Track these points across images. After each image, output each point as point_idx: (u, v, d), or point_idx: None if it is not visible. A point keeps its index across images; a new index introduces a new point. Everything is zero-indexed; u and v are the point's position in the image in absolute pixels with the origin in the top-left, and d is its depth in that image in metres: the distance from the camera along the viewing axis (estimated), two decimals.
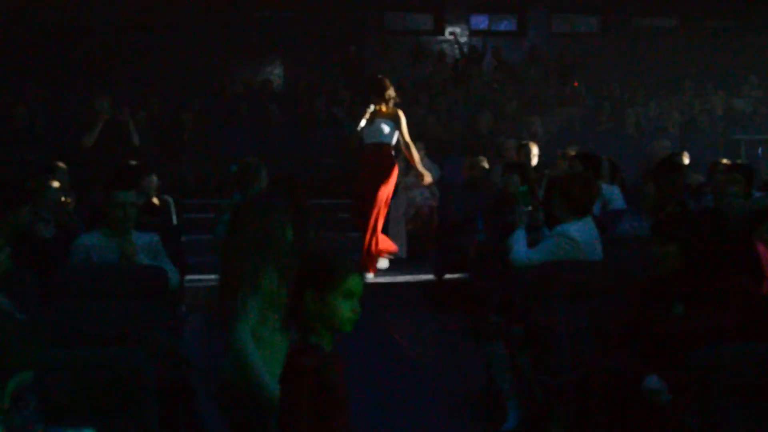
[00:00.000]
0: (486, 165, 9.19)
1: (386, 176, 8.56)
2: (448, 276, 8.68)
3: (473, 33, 16.06)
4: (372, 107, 8.53)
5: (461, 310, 7.55)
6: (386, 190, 8.60)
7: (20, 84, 12.26)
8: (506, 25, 16.78)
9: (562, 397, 4.89)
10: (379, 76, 8.94)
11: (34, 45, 13.16)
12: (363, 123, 8.55)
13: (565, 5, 16.32)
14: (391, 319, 7.81)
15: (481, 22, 16.58)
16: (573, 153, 8.57)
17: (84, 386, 3.26)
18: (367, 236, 8.55)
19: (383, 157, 8.58)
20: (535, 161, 8.90)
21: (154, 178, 8.22)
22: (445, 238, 8.71)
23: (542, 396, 5.16)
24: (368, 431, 4.90)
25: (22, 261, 5.08)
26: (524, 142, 9.33)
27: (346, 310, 3.02)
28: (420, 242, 9.74)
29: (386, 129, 8.51)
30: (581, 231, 5.42)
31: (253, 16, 15.33)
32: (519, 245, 5.55)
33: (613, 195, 7.52)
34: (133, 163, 7.85)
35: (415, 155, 8.84)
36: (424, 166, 10.21)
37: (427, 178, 9.02)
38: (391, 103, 8.58)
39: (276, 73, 15.19)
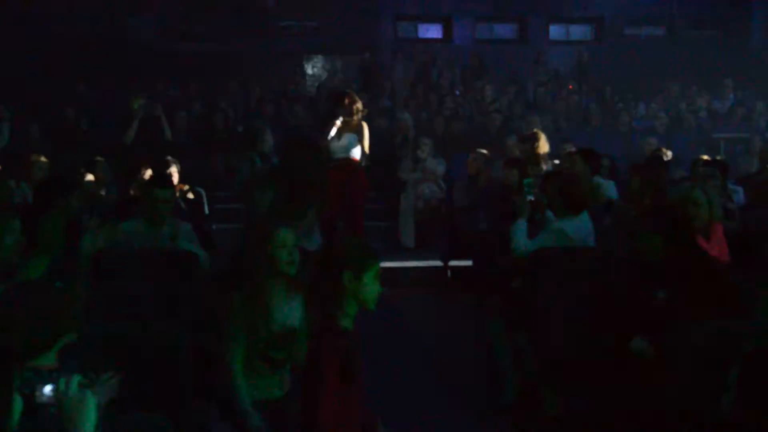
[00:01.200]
0: (486, 158, 9.13)
1: (357, 195, 7.79)
2: (453, 262, 8.68)
3: (478, 41, 16.05)
4: (340, 120, 7.63)
5: (465, 292, 7.60)
6: (358, 209, 7.85)
7: (70, 88, 12.35)
8: (509, 33, 16.77)
9: (555, 371, 4.93)
10: (347, 90, 8.39)
11: (82, 53, 13.24)
12: (331, 136, 7.63)
13: (562, 16, 16.32)
14: (401, 301, 7.83)
15: (486, 30, 16.58)
16: (572, 149, 8.55)
17: (122, 357, 3.28)
18: None
19: (351, 173, 7.69)
20: (545, 149, 8.39)
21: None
22: (451, 228, 8.73)
23: (537, 370, 5.22)
24: (378, 399, 4.93)
25: (72, 246, 5.20)
26: (534, 130, 9.08)
27: (376, 289, 3.18)
28: (428, 232, 9.75)
29: (354, 144, 7.70)
30: (576, 228, 5.46)
31: (280, 25, 15.41)
32: (519, 235, 5.57)
33: (610, 189, 7.52)
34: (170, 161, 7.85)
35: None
36: (432, 162, 10.25)
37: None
38: (359, 116, 7.74)
39: (300, 76, 15.23)
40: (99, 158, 8.09)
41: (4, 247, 3.66)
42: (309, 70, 15.32)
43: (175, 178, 5.62)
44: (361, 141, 7.70)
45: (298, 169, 5.59)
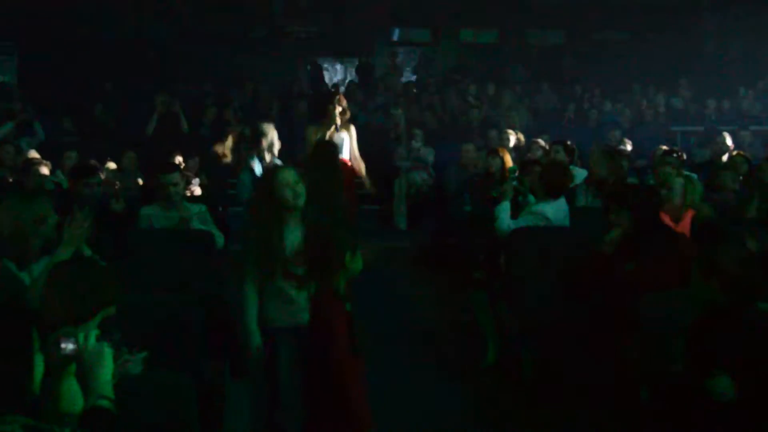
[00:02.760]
0: (474, 150, 9.10)
1: (350, 197, 6.82)
2: (442, 241, 8.64)
3: (462, 44, 15.96)
4: (336, 120, 6.80)
5: (452, 268, 7.57)
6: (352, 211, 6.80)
7: (99, 86, 12.27)
8: (488, 37, 16.66)
9: (532, 335, 4.93)
10: (333, 89, 7.66)
11: (109, 55, 13.16)
12: (326, 137, 6.77)
13: (537, 21, 16.23)
14: (394, 276, 7.81)
15: (470, 34, 16.47)
16: (543, 142, 8.55)
17: (145, 324, 3.24)
18: None
19: (347, 174, 6.81)
20: (511, 144, 8.70)
21: (197, 159, 8.23)
22: (439, 211, 8.69)
23: (516, 335, 5.20)
24: (373, 360, 4.92)
25: (101, 228, 5.17)
26: (506, 131, 9.20)
27: (360, 263, 3.63)
28: (419, 215, 9.69)
29: (345, 144, 6.93)
30: (555, 210, 5.45)
31: (285, 30, 15.33)
32: (504, 215, 5.53)
33: (581, 176, 7.48)
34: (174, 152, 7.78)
35: (362, 167, 7.25)
36: (423, 152, 10.21)
37: (372, 189, 7.57)
38: (347, 116, 7.04)
39: (303, 76, 15.14)
40: (129, 151, 8.09)
41: (48, 226, 3.62)
42: (312, 72, 15.21)
43: (179, 176, 5.54)
44: (350, 142, 7.03)
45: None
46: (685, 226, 5.06)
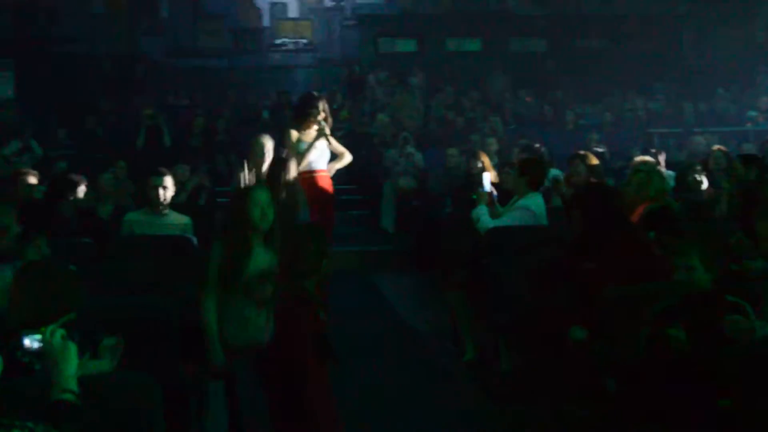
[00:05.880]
0: (458, 155, 9.07)
1: (329, 208, 6.22)
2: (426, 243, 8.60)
3: (447, 53, 15.96)
4: (323, 127, 6.12)
5: (435, 269, 7.53)
6: (329, 222, 6.19)
7: (91, 100, 12.25)
8: (472, 46, 16.66)
9: (508, 332, 4.90)
10: (315, 93, 6.67)
11: (101, 69, 13.16)
12: (309, 146, 6.08)
13: (521, 31, 16.26)
14: (379, 278, 7.78)
15: (452, 44, 16.46)
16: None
17: (120, 326, 3.19)
18: None
19: (326, 184, 6.21)
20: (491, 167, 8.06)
21: (187, 167, 8.16)
22: (424, 213, 8.63)
23: (492, 333, 5.17)
24: (356, 356, 4.91)
25: (85, 232, 5.15)
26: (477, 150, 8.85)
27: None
28: (405, 217, 9.66)
29: (325, 153, 6.25)
30: (538, 203, 5.43)
31: (274, 42, 15.33)
32: (484, 216, 5.48)
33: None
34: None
35: (346, 160, 6.44)
36: (413, 154, 10.14)
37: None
38: (330, 121, 6.34)
39: (292, 86, 15.14)
40: (120, 162, 8.08)
41: (8, 236, 3.59)
42: (300, 81, 15.20)
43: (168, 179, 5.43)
44: (332, 145, 6.31)
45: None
46: (634, 218, 5.01)
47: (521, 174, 5.50)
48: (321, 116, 6.15)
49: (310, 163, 6.10)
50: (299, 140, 6.13)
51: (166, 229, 5.27)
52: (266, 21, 16.92)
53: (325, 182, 6.18)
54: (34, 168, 8.06)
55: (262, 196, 3.71)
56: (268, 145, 6.02)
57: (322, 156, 6.19)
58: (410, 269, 8.30)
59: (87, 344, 2.71)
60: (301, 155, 6.02)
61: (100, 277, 4.25)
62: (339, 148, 6.38)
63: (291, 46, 15.48)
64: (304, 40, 15.55)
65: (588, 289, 3.89)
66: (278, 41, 15.44)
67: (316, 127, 6.12)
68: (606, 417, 3.47)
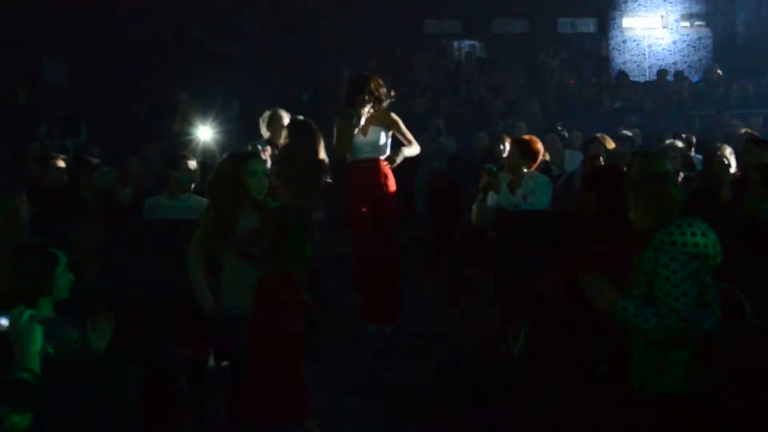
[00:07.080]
0: (486, 138, 9.02)
1: (387, 200, 5.64)
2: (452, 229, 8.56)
3: (493, 35, 15.79)
4: (367, 111, 5.53)
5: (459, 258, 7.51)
6: (391, 217, 5.67)
7: (136, 84, 12.55)
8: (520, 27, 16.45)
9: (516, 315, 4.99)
10: (368, 73, 5.88)
11: (149, 54, 13.44)
12: (356, 131, 5.53)
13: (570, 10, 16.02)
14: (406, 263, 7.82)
15: (501, 25, 16.27)
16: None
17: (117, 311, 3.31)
18: (378, 280, 5.63)
19: (382, 175, 5.60)
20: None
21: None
22: (455, 200, 8.60)
23: (503, 315, 5.24)
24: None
25: (106, 216, 5.32)
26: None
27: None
28: (438, 203, 9.64)
29: (383, 139, 5.62)
30: (538, 181, 5.54)
31: (323, 24, 15.38)
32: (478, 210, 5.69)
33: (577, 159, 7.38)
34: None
35: (413, 151, 5.85)
36: (442, 140, 10.11)
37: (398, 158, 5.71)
38: (385, 105, 5.68)
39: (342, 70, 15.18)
40: (151, 145, 8.27)
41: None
42: (345, 65, 15.23)
43: (192, 163, 5.57)
44: (397, 132, 5.69)
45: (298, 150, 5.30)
46: None
47: (524, 155, 5.56)
48: (377, 97, 5.54)
49: (361, 152, 5.58)
50: (348, 127, 5.51)
51: (188, 212, 5.33)
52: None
53: (380, 173, 5.55)
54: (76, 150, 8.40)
55: (260, 167, 3.79)
56: (285, 119, 5.98)
57: (378, 143, 5.58)
58: (437, 255, 8.29)
59: (85, 318, 2.85)
60: (350, 143, 5.51)
61: (114, 260, 4.39)
62: (406, 134, 5.70)
63: (335, 29, 15.51)
64: (348, 24, 15.55)
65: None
66: (323, 24, 15.52)
67: (367, 110, 5.52)
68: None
